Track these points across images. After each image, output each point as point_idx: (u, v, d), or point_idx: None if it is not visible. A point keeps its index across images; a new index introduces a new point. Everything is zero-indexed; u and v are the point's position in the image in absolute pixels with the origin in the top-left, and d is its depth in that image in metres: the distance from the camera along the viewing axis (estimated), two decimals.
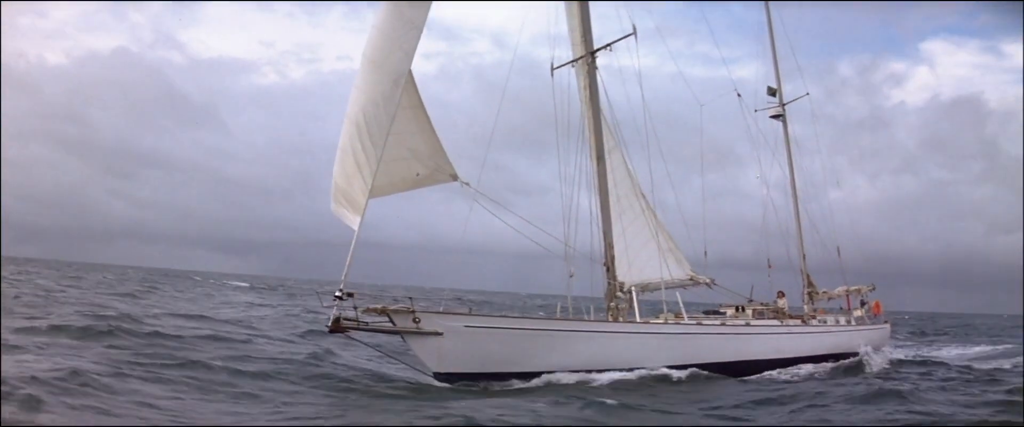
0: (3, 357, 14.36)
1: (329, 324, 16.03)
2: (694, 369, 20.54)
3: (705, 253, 26.73)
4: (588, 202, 23.69)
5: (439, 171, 19.28)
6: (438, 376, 17.51)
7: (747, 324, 24.63)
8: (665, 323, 22.48)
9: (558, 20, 24.56)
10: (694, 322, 23.23)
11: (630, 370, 19.38)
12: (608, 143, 24.38)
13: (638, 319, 21.71)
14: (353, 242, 16.86)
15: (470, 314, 17.69)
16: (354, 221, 17.35)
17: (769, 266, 31.50)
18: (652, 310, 25.11)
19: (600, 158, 23.55)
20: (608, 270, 22.82)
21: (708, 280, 26.18)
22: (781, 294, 29.61)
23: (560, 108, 23.75)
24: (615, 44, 23.49)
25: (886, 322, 33.46)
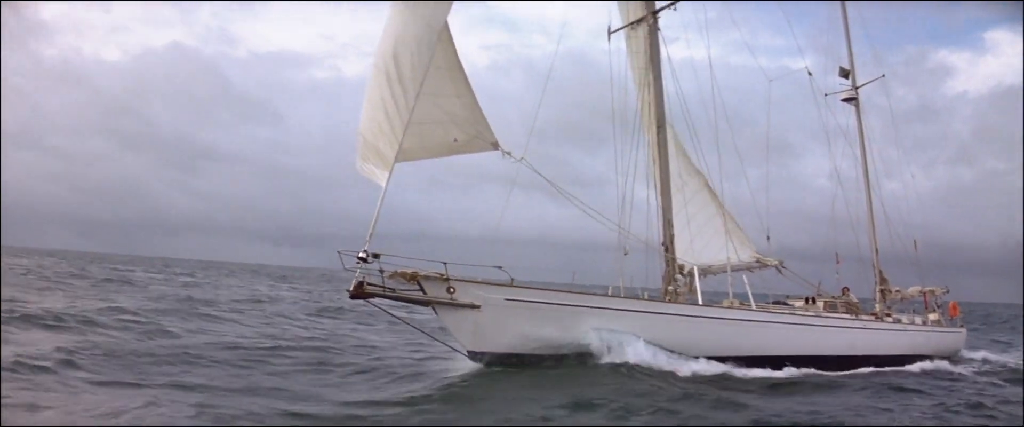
0: None
1: (350, 288, 14.00)
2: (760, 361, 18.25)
3: (768, 238, 24.39)
4: (644, 188, 21.70)
5: (479, 138, 17.15)
6: (473, 355, 15.43)
7: (818, 317, 22.19)
8: (730, 307, 20.13)
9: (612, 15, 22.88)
10: (759, 310, 20.85)
11: (709, 358, 17.32)
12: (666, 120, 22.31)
13: (700, 303, 19.40)
14: (380, 199, 14.82)
15: (512, 285, 15.50)
16: (382, 177, 15.30)
17: (838, 262, 29.05)
18: (713, 300, 22.85)
19: (660, 126, 21.32)
20: (667, 250, 20.55)
21: (776, 262, 23.80)
22: (846, 290, 27.13)
23: (616, 75, 21.94)
24: (679, 3, 21.35)
25: (962, 326, 30.69)
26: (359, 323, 28.68)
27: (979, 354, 28.98)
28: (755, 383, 16.48)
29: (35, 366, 12.93)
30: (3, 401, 10.02)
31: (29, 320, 19.72)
